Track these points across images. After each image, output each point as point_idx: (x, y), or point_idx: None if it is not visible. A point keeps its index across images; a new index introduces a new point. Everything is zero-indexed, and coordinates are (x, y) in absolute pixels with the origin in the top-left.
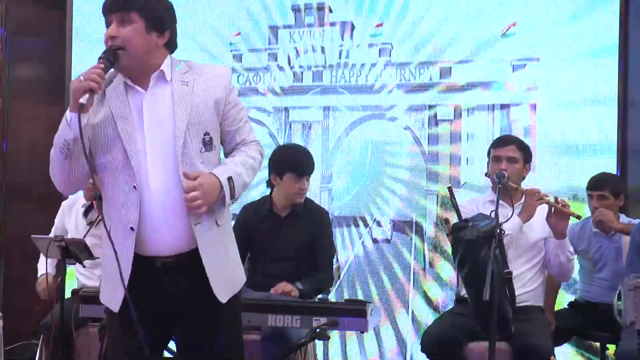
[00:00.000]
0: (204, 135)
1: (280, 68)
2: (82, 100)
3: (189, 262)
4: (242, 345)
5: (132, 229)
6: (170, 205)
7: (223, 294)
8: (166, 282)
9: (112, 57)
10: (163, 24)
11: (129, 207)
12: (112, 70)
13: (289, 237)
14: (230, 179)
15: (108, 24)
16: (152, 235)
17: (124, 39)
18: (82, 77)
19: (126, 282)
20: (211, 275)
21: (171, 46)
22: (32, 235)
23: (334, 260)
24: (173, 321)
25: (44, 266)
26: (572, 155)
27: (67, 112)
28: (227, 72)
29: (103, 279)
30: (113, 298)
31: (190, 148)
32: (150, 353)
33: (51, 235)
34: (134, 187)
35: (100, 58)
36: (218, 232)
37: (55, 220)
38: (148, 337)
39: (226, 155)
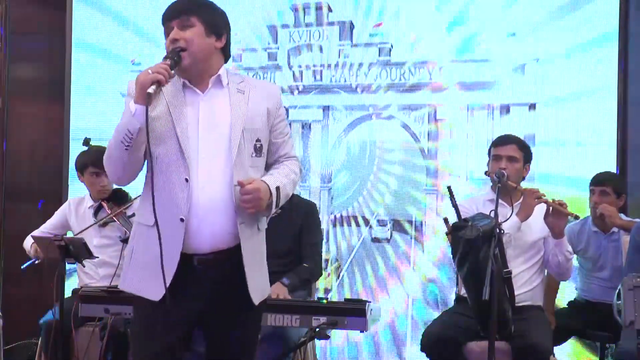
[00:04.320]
0: (256, 141)
1: (280, 67)
2: (150, 90)
3: (226, 259)
4: (255, 350)
5: (182, 220)
6: (216, 203)
7: (256, 296)
8: (202, 279)
9: (176, 56)
10: (220, 28)
11: (179, 199)
12: (172, 71)
13: (279, 233)
14: (278, 188)
15: (167, 32)
16: (195, 230)
17: (186, 40)
18: (149, 71)
19: (173, 273)
20: (249, 274)
21: (226, 54)
22: (32, 234)
23: (323, 251)
24: (199, 320)
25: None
26: (571, 154)
27: (131, 103)
28: (278, 89)
29: (136, 267)
30: (152, 288)
31: (243, 152)
32: (175, 355)
33: (44, 228)
34: (186, 179)
35: (165, 57)
36: (258, 236)
37: (56, 214)
38: (175, 337)
39: (268, 165)
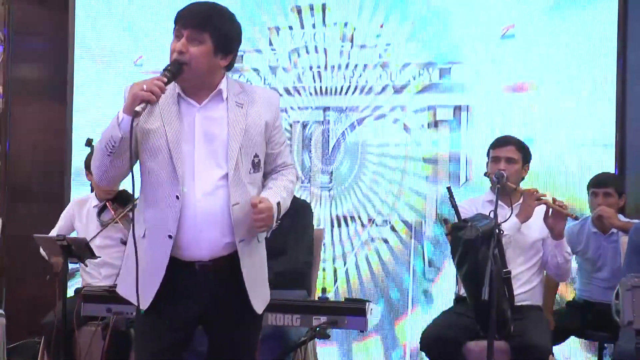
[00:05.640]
0: (254, 157)
1: (280, 69)
2: (138, 108)
3: (226, 265)
4: (255, 350)
5: (169, 236)
6: (212, 217)
7: (258, 305)
8: (203, 284)
9: (176, 70)
10: (230, 47)
11: (169, 215)
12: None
13: (275, 234)
14: (278, 204)
15: (177, 35)
16: (191, 242)
17: (191, 56)
18: (144, 86)
19: (158, 284)
20: (249, 285)
21: (229, 67)
22: (35, 235)
23: (324, 250)
24: (201, 322)
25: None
26: (570, 155)
27: (120, 111)
28: (277, 97)
29: (127, 274)
30: (143, 296)
31: (240, 169)
32: (175, 355)
33: (53, 233)
34: (177, 197)
35: (164, 70)
36: (258, 248)
37: (62, 215)
38: (175, 339)
39: (264, 174)
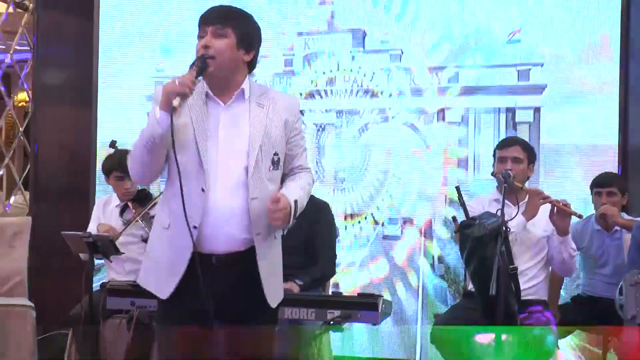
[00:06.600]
0: (274, 155)
1: (295, 73)
2: (175, 103)
3: (243, 258)
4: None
5: (195, 227)
6: (231, 212)
7: (272, 300)
8: (219, 277)
9: (202, 64)
10: (251, 43)
11: (194, 207)
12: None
13: (292, 231)
14: (295, 202)
15: (202, 35)
16: (211, 235)
17: (216, 49)
18: (177, 82)
19: (180, 275)
20: (265, 280)
21: (252, 66)
22: (62, 232)
23: (337, 249)
24: (216, 317)
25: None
26: (574, 156)
27: (157, 109)
28: (297, 102)
29: (149, 265)
30: (161, 286)
31: (260, 166)
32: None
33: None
34: (202, 189)
35: (192, 65)
36: (274, 244)
37: (92, 217)
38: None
39: (283, 175)
